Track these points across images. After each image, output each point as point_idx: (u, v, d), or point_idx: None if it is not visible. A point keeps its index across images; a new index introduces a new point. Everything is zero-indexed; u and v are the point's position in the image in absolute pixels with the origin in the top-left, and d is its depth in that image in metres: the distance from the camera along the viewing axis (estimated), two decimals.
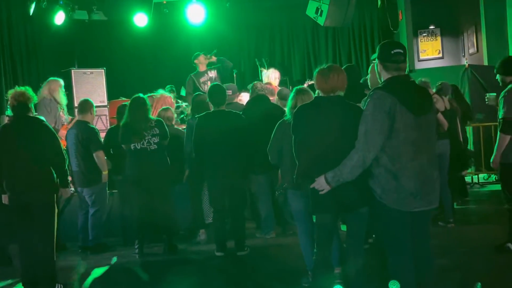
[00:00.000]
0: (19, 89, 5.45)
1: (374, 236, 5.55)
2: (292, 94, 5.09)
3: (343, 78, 4.23)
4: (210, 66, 9.81)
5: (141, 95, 6.83)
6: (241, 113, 6.65)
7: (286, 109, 5.34)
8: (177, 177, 7.04)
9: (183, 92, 10.38)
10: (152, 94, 8.31)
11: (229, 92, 7.56)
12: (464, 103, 8.39)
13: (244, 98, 8.43)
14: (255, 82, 7.57)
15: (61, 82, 8.15)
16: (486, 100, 6.31)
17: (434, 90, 7.36)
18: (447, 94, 7.51)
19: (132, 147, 6.59)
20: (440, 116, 6.82)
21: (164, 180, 6.70)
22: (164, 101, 7.74)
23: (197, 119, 6.46)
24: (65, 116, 8.19)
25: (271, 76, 8.81)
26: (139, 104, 6.66)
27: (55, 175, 5.40)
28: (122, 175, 7.10)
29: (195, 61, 9.82)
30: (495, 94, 5.98)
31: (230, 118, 6.40)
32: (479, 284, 4.22)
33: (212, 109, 6.47)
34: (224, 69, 9.91)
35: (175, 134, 7.18)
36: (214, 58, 9.91)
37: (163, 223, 6.73)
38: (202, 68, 9.74)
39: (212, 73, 9.72)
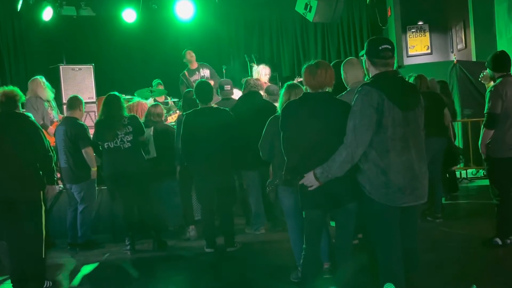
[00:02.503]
0: (8, 88, 5.43)
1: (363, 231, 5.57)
2: (283, 90, 5.06)
3: (331, 74, 4.23)
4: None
5: (116, 93, 6.76)
6: (228, 109, 6.62)
7: (277, 104, 5.32)
8: (166, 173, 7.03)
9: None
10: (128, 99, 8.25)
11: (228, 87, 7.49)
12: (450, 100, 8.43)
13: (235, 94, 8.41)
14: (248, 78, 7.53)
15: (40, 78, 8.04)
16: (481, 76, 6.36)
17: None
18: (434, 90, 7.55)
19: (106, 146, 6.57)
20: (446, 110, 7.06)
21: (141, 178, 6.62)
22: (142, 108, 7.55)
23: (184, 116, 6.43)
24: (53, 113, 8.12)
25: (261, 72, 8.78)
26: (113, 102, 6.59)
27: (41, 172, 5.37)
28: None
29: (188, 56, 9.77)
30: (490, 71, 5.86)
31: (217, 114, 6.36)
32: (474, 286, 4.25)
33: (199, 106, 6.44)
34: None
35: (164, 130, 7.18)
36: None
37: (148, 220, 6.72)
38: (193, 65, 9.67)
39: (205, 72, 9.64)
